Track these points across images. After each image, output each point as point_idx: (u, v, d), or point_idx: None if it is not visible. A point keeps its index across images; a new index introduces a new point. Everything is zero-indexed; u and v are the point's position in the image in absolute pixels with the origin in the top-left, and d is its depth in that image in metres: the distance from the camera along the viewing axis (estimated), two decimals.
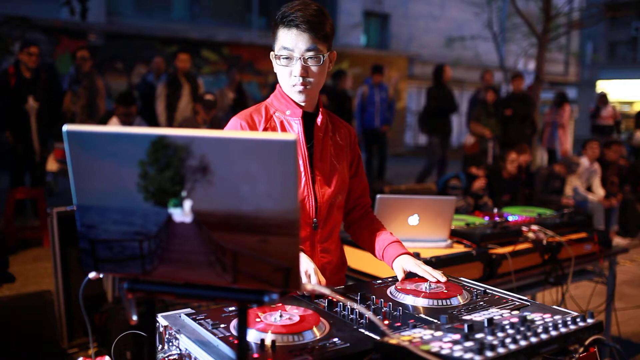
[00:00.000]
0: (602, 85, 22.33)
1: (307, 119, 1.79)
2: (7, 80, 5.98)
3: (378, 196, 2.62)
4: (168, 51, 12.16)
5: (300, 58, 1.67)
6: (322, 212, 1.79)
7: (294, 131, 1.77)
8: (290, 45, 1.66)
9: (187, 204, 0.93)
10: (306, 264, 1.64)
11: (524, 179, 6.49)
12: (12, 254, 5.04)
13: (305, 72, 1.69)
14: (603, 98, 10.77)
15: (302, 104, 1.77)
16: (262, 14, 16.32)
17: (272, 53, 1.75)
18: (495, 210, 3.42)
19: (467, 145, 8.02)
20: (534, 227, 3.03)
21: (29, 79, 6.07)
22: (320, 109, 1.81)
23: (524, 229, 2.99)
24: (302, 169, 1.76)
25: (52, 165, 6.35)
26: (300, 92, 1.72)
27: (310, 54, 1.67)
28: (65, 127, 0.94)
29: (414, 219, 2.67)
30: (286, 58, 1.68)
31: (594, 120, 10.79)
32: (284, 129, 1.77)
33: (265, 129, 1.76)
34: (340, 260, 1.94)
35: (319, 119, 1.79)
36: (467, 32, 17.10)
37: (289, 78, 1.71)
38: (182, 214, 0.94)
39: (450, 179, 5.91)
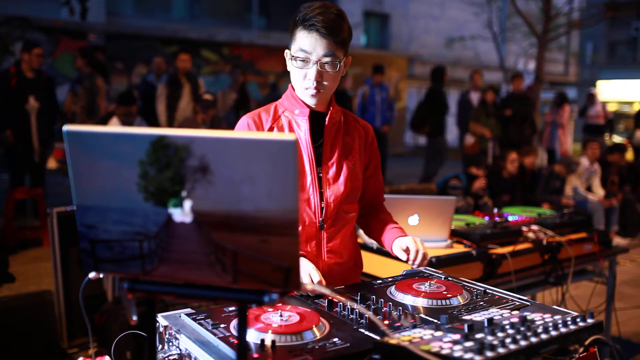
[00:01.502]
0: (602, 85, 22.33)
1: (318, 119, 1.79)
2: (8, 80, 5.98)
3: None
4: (168, 51, 12.16)
5: (317, 62, 1.67)
6: (329, 212, 1.77)
7: (301, 130, 1.77)
8: (309, 49, 1.66)
9: (187, 204, 0.93)
10: (305, 266, 1.64)
11: (527, 182, 6.46)
12: (12, 254, 5.05)
13: (320, 76, 1.69)
14: (591, 97, 10.73)
15: (316, 109, 1.77)
16: (262, 14, 16.31)
17: (287, 52, 1.75)
18: (495, 210, 3.42)
19: (467, 145, 8.01)
20: (534, 227, 3.03)
21: (31, 79, 6.07)
22: (332, 109, 1.80)
23: (524, 229, 2.99)
24: (307, 168, 1.76)
25: (52, 163, 6.35)
26: (312, 95, 1.73)
27: (328, 59, 1.67)
28: (65, 127, 0.94)
29: (414, 219, 2.67)
30: (302, 60, 1.68)
31: (585, 120, 10.76)
32: (291, 128, 1.78)
33: (270, 128, 1.77)
34: (353, 261, 1.90)
35: (327, 119, 1.79)
36: (467, 32, 17.12)
37: (303, 80, 1.72)
38: (182, 214, 0.94)
39: (450, 179, 5.91)
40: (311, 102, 1.75)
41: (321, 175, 1.77)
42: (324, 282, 1.63)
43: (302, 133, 1.77)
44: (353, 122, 1.89)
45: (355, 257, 1.93)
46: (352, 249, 1.90)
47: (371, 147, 1.90)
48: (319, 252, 1.79)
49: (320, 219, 1.77)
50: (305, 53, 1.67)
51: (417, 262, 1.72)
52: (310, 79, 1.69)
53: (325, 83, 1.71)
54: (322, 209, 1.77)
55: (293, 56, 1.70)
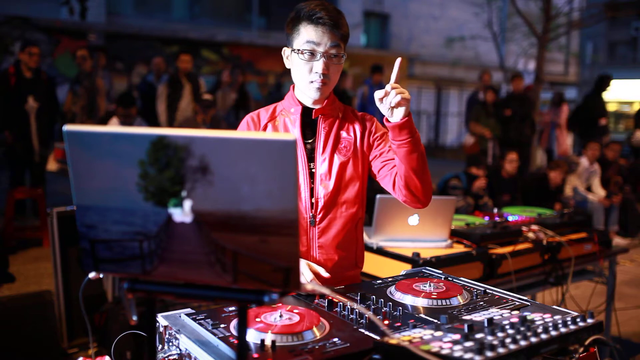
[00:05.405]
0: None
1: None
2: (7, 80, 5.98)
3: (378, 196, 2.62)
4: (168, 51, 12.16)
5: (324, 54, 1.70)
6: (320, 207, 1.78)
7: (294, 127, 1.81)
8: (317, 40, 1.69)
9: (187, 204, 0.93)
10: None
11: (549, 194, 6.36)
12: (12, 254, 5.04)
13: (327, 68, 1.72)
14: None
15: (313, 106, 1.79)
16: (262, 14, 16.31)
17: (285, 50, 1.77)
18: (495, 210, 3.42)
19: (467, 145, 8.01)
20: (534, 227, 3.03)
21: (30, 78, 6.07)
22: (326, 102, 1.80)
23: (524, 229, 2.99)
24: (300, 164, 1.77)
25: (52, 165, 6.34)
26: (318, 88, 1.75)
27: (334, 51, 1.71)
28: (65, 127, 0.94)
29: (414, 219, 2.67)
30: (310, 53, 1.71)
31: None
32: (286, 127, 1.81)
33: (265, 125, 1.82)
34: (351, 259, 1.88)
35: (319, 114, 1.81)
36: (467, 32, 17.11)
37: (308, 74, 1.73)
38: (182, 214, 0.94)
39: (450, 179, 5.90)
40: (316, 95, 1.77)
41: (313, 170, 1.79)
42: (317, 280, 1.64)
43: (295, 129, 1.80)
44: (351, 117, 1.88)
45: (355, 255, 1.89)
46: (350, 247, 1.87)
47: (374, 133, 1.86)
48: (310, 247, 1.80)
49: (311, 214, 1.78)
50: (312, 45, 1.69)
51: (393, 99, 1.66)
52: (318, 72, 1.72)
53: (330, 76, 1.74)
54: (312, 204, 1.78)
55: (300, 50, 1.71)
